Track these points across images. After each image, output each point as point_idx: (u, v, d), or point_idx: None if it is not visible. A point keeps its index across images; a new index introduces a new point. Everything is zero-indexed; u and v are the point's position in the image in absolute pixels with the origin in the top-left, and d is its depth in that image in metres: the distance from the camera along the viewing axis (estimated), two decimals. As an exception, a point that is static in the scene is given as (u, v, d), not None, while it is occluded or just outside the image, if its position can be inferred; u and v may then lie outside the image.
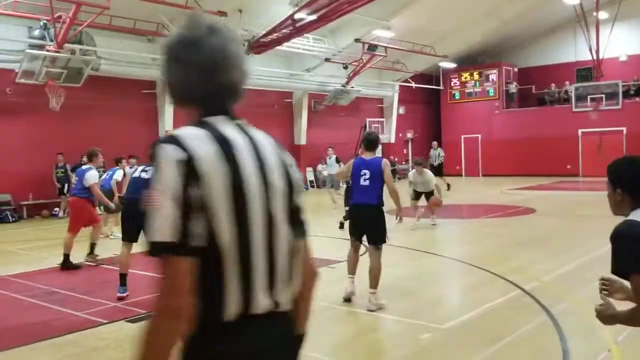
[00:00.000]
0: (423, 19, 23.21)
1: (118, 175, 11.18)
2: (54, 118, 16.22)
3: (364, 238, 6.45)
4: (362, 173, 6.29)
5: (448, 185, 20.78)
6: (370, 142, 6.55)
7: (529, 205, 15.43)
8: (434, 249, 9.93)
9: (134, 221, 6.75)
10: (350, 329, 5.62)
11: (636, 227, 2.40)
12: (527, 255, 8.93)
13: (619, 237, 2.42)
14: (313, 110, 25.53)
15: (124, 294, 6.93)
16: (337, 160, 18.62)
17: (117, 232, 10.64)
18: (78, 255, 9.91)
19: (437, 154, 22.09)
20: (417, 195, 12.47)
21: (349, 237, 6.62)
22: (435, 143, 23.15)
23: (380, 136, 30.54)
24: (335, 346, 5.20)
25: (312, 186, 25.63)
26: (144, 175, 6.94)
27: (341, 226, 11.61)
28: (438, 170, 21.04)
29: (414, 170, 12.75)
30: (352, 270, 6.53)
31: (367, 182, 6.25)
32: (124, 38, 17.70)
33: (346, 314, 6.13)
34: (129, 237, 6.98)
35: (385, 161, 6.40)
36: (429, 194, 12.20)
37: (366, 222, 6.32)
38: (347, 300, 6.38)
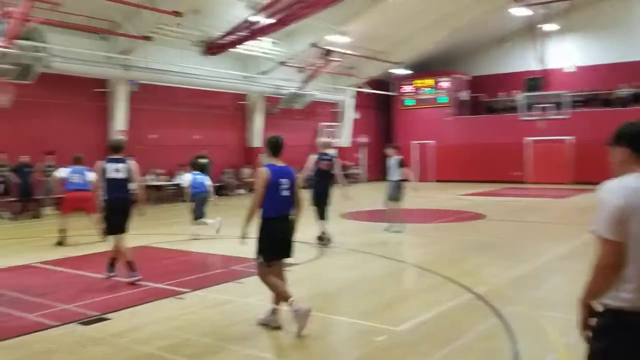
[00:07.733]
0: (378, 25, 23.55)
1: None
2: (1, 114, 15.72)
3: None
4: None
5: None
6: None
7: (479, 211, 15.81)
8: (387, 252, 10.07)
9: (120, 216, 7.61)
10: (304, 331, 5.64)
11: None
12: (477, 259, 9.16)
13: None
14: (269, 113, 25.49)
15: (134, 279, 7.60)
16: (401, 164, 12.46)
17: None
18: (30, 257, 9.67)
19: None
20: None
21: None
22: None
23: (334, 140, 30.13)
24: (289, 347, 5.23)
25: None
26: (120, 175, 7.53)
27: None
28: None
29: None
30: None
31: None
32: (77, 35, 17.30)
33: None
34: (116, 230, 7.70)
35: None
36: None
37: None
38: None
